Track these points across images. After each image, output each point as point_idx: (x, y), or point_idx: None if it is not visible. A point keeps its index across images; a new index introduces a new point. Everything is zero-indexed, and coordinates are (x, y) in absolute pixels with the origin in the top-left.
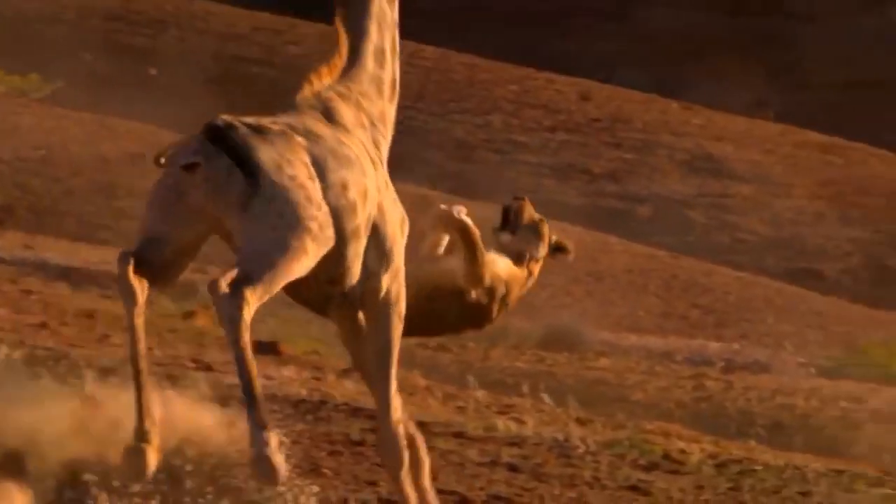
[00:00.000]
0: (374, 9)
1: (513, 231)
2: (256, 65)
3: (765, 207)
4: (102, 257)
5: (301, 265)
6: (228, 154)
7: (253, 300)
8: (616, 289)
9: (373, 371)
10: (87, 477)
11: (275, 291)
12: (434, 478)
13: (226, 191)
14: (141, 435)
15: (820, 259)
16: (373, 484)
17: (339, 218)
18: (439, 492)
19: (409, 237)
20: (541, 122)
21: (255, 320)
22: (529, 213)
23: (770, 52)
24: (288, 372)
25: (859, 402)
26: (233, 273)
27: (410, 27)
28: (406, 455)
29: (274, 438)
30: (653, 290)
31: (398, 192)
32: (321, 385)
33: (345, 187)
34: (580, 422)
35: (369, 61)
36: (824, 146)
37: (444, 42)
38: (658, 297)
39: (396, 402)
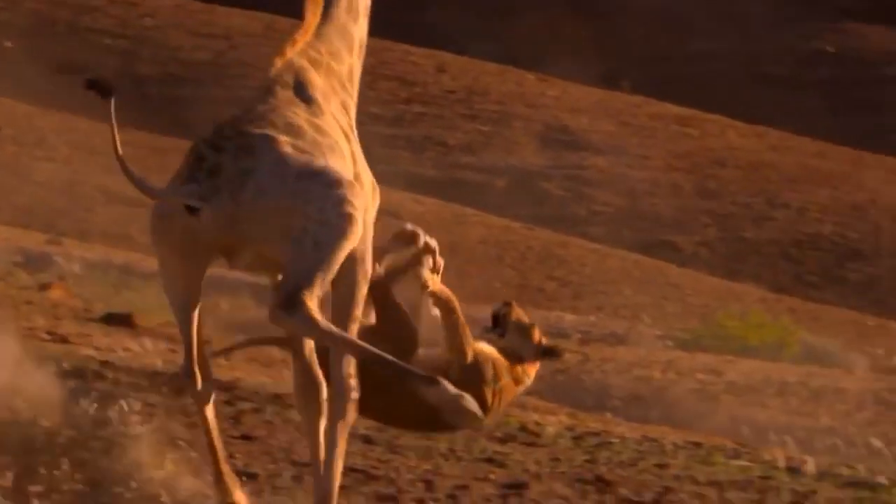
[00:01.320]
0: None
1: (501, 334)
2: (110, 37)
3: (621, 179)
4: None
5: (345, 251)
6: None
7: (310, 300)
8: (472, 261)
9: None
10: None
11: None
12: (290, 450)
13: (238, 221)
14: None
15: (676, 231)
16: (230, 457)
17: None
18: (294, 464)
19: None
20: (396, 93)
21: (110, 293)
22: (518, 316)
23: (626, 23)
24: (143, 344)
25: (716, 375)
26: (281, 293)
27: (264, 0)
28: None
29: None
30: (508, 262)
31: None
32: (176, 357)
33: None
34: None
35: (342, 14)
36: (680, 118)
37: (300, 14)
38: (514, 269)
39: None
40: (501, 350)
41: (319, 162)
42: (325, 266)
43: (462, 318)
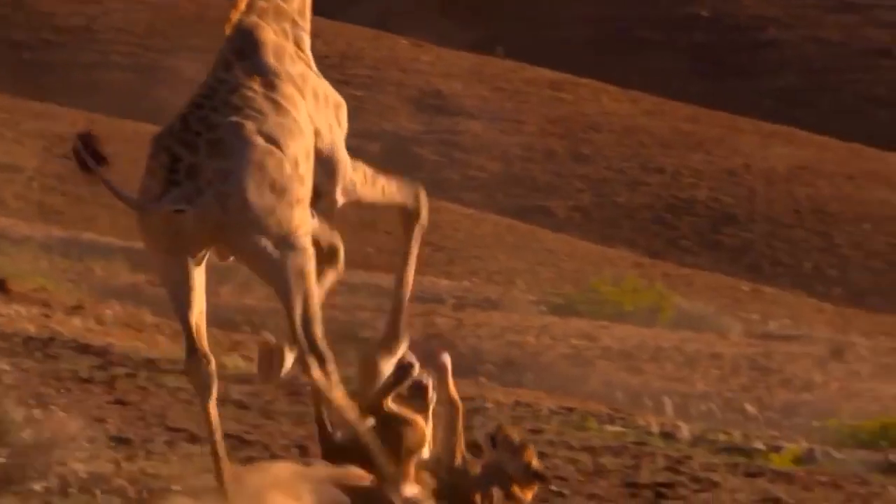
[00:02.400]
0: None
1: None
2: None
3: (494, 144)
4: None
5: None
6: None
7: (324, 345)
8: (345, 226)
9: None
10: None
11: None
12: (163, 415)
13: (223, 221)
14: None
15: (550, 196)
16: (101, 421)
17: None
18: (168, 429)
19: None
20: None
21: None
22: (510, 435)
23: None
24: (16, 309)
25: (591, 340)
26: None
27: None
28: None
29: None
30: (382, 228)
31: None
32: (50, 322)
33: (297, 163)
34: None
35: None
36: (554, 83)
37: None
38: (387, 234)
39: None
40: (488, 465)
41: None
42: (310, 297)
43: (461, 426)
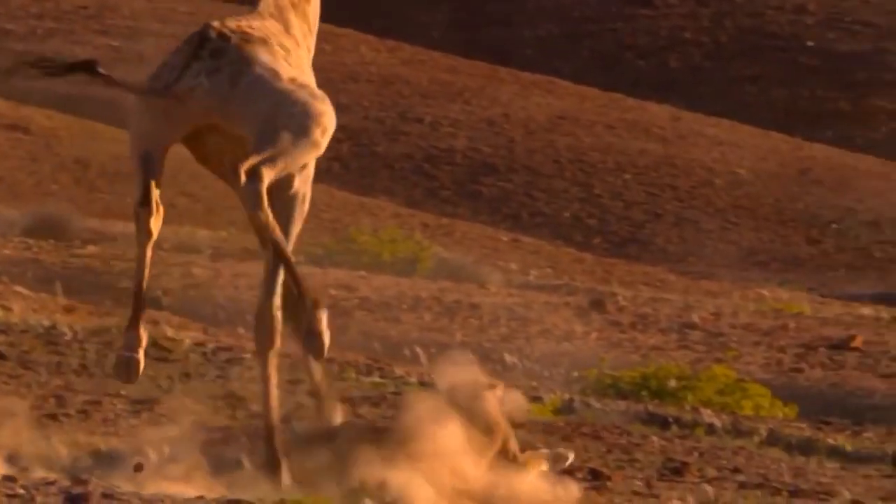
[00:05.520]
0: None
1: None
2: None
3: None
4: None
5: (310, 155)
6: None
7: (268, 177)
8: (103, 176)
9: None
10: None
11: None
12: None
13: (230, 101)
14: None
15: None
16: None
17: None
18: None
19: None
20: (28, 9)
21: None
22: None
23: None
24: None
25: (349, 291)
26: (251, 160)
27: None
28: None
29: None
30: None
31: None
32: None
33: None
34: (67, 309)
35: None
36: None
37: None
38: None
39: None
40: None
41: (306, 78)
42: (290, 158)
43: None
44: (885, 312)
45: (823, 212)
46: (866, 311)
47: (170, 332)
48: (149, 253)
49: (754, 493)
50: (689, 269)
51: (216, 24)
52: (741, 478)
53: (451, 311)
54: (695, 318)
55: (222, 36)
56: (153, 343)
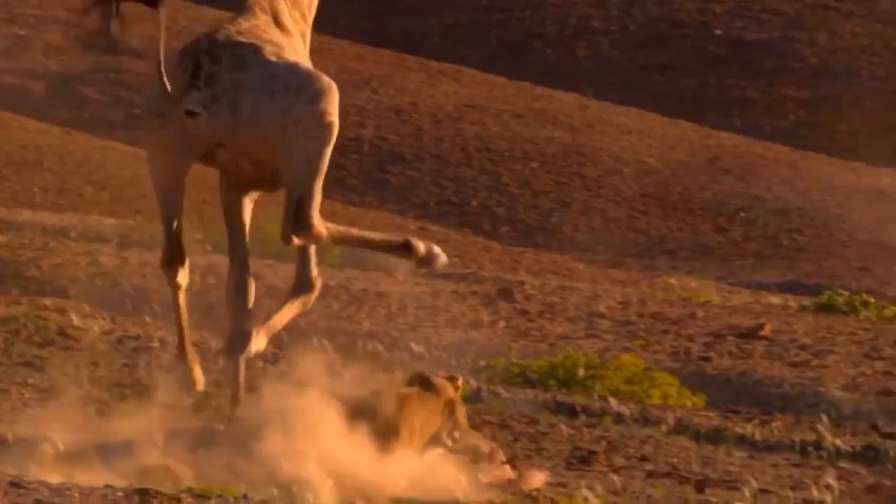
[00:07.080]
0: None
1: None
2: None
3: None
4: None
5: (331, 143)
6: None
7: (314, 213)
8: (11, 164)
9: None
10: None
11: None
12: None
13: (235, 131)
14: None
15: None
16: None
17: None
18: None
19: None
20: None
21: None
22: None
23: None
24: None
25: (256, 279)
26: (291, 221)
27: None
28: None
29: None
30: (47, 167)
31: None
32: None
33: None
34: None
35: None
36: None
37: None
38: (53, 173)
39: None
40: None
41: (301, 70)
42: (317, 175)
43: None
44: (793, 301)
45: (732, 200)
46: (774, 299)
47: (77, 321)
48: (182, 301)
49: (662, 482)
50: (597, 257)
51: (205, 44)
52: (649, 467)
53: (358, 300)
54: (602, 307)
55: (214, 59)
56: (59, 332)
